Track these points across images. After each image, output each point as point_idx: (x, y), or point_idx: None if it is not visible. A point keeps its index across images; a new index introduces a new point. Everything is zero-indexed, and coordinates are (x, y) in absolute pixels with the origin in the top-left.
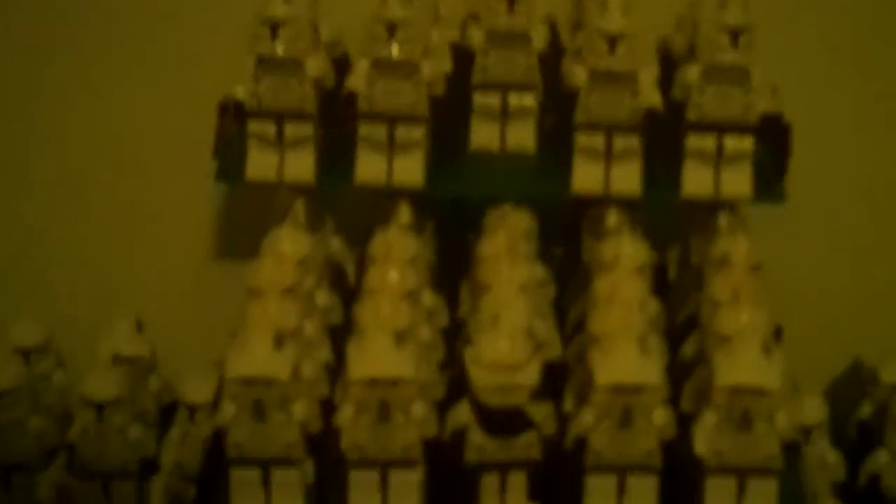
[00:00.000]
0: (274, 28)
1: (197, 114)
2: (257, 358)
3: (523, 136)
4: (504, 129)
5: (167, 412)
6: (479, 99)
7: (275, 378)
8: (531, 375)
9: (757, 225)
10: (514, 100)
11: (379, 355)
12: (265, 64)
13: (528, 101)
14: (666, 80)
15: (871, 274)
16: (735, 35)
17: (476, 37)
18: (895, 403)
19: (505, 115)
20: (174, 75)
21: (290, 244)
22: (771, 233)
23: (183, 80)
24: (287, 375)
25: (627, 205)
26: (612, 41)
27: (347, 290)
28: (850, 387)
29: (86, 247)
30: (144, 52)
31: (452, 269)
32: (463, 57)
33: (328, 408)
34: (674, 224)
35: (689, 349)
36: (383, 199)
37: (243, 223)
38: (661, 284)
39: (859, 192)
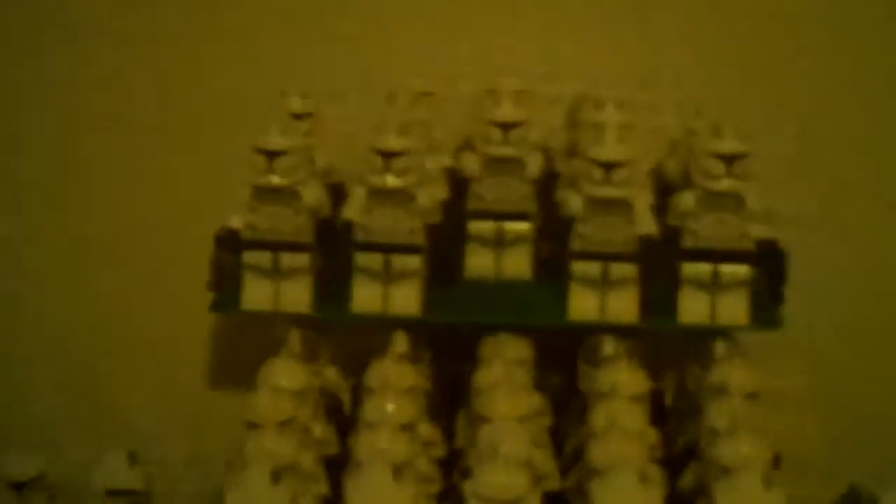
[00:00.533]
0: (270, 158)
1: (193, 243)
2: (256, 493)
3: (519, 264)
4: (500, 257)
5: None
6: (475, 226)
7: None
8: None
9: (754, 349)
10: (510, 227)
11: (378, 490)
12: (261, 193)
13: (524, 228)
14: (660, 206)
15: (866, 400)
16: (730, 162)
17: (471, 164)
18: None
19: (500, 242)
20: (173, 202)
21: (286, 376)
22: (768, 357)
23: (178, 209)
24: None
25: (624, 332)
26: (608, 168)
27: (343, 421)
28: None
29: (79, 376)
30: (142, 180)
31: (449, 399)
32: (458, 183)
33: None
34: (671, 350)
35: (688, 480)
36: (380, 329)
37: (240, 353)
38: (658, 411)
39: (854, 319)
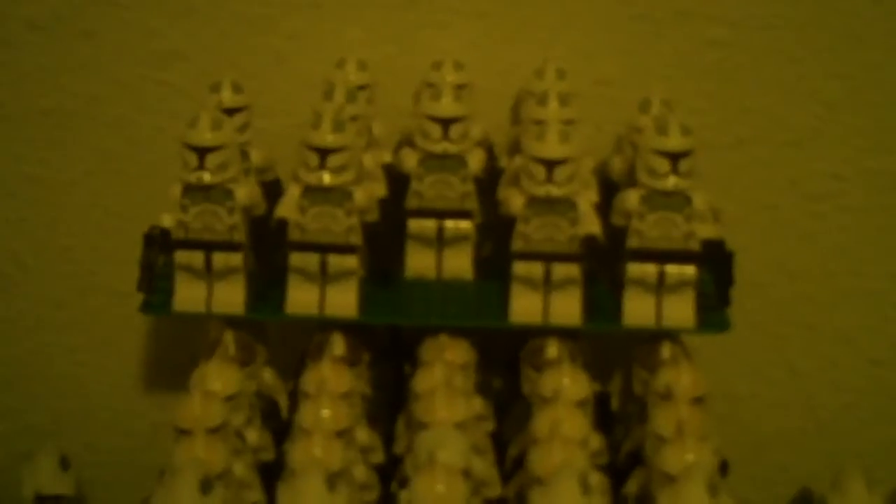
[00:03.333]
0: (201, 154)
1: (123, 243)
2: (183, 502)
3: (460, 263)
4: (440, 256)
5: None
6: (415, 225)
7: None
8: None
9: (701, 351)
10: (451, 226)
11: (311, 499)
12: (192, 191)
13: (465, 227)
14: (605, 204)
15: (818, 401)
16: (675, 160)
17: (410, 161)
18: None
19: (441, 241)
20: (102, 200)
21: (218, 380)
22: (715, 359)
23: (111, 205)
24: None
25: (568, 335)
26: (550, 167)
27: (281, 426)
28: None
29: (10, 378)
30: (73, 174)
31: (390, 401)
32: (398, 180)
33: None
34: (617, 352)
35: (633, 486)
36: (317, 330)
37: (176, 355)
38: (604, 415)
39: (804, 319)
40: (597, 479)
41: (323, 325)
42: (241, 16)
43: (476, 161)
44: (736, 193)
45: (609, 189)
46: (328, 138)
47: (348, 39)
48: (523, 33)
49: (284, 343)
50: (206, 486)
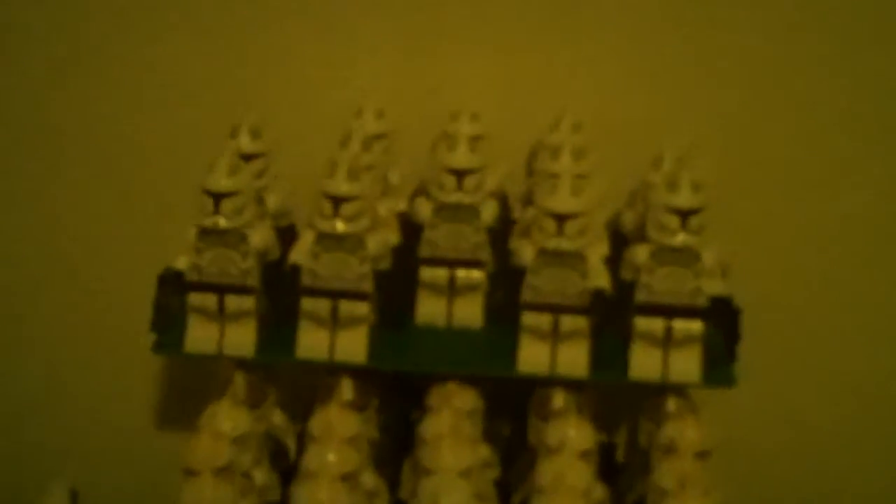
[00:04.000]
0: (217, 199)
1: (138, 284)
2: None
3: (470, 312)
4: (451, 304)
5: None
6: (427, 273)
7: None
8: None
9: (708, 403)
10: (462, 275)
11: None
12: (207, 235)
13: (476, 276)
14: (616, 257)
15: (825, 460)
16: (685, 217)
17: (424, 209)
18: None
19: (452, 289)
20: (117, 241)
21: (226, 421)
22: (722, 412)
23: (126, 246)
24: None
25: (575, 386)
26: (561, 220)
27: (288, 467)
28: None
29: (24, 412)
30: (89, 215)
31: (397, 446)
32: (411, 229)
33: None
34: (623, 404)
35: None
36: (325, 375)
37: (185, 394)
38: (609, 466)
39: (812, 375)
40: None
41: (332, 370)
42: (262, 61)
43: (489, 212)
44: (751, 240)
45: (620, 242)
46: (342, 187)
47: (367, 88)
48: (541, 83)
49: (294, 386)
50: None
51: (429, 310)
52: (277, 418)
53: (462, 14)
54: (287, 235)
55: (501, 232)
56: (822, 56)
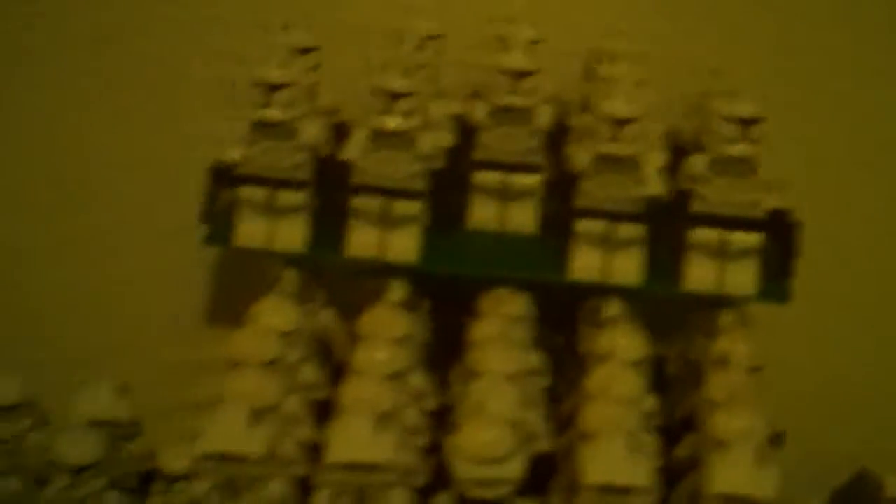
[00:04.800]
0: (269, 91)
1: (188, 176)
2: (230, 433)
3: (524, 217)
4: (504, 209)
5: (149, 480)
6: (480, 176)
7: (247, 455)
8: (516, 469)
9: (762, 321)
10: (517, 179)
11: (358, 439)
12: (259, 128)
13: (531, 181)
14: (674, 169)
15: (879, 380)
16: (745, 126)
17: (478, 112)
18: None
19: (506, 194)
20: (166, 136)
21: (274, 315)
22: (776, 330)
23: (175, 141)
24: (261, 453)
25: (627, 295)
26: (618, 124)
27: (337, 366)
28: (854, 498)
29: (72, 305)
30: (136, 111)
31: (448, 350)
32: (466, 131)
33: (307, 487)
34: (676, 317)
35: (684, 450)
36: (376, 274)
37: (235, 290)
38: (660, 379)
39: (868, 292)
40: (648, 440)
41: (382, 270)
42: None
43: (545, 116)
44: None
45: (679, 154)
46: (396, 83)
47: None
48: None
49: (342, 286)
50: (254, 417)
51: (482, 214)
52: (326, 316)
53: None
54: (339, 133)
55: (557, 138)
56: None
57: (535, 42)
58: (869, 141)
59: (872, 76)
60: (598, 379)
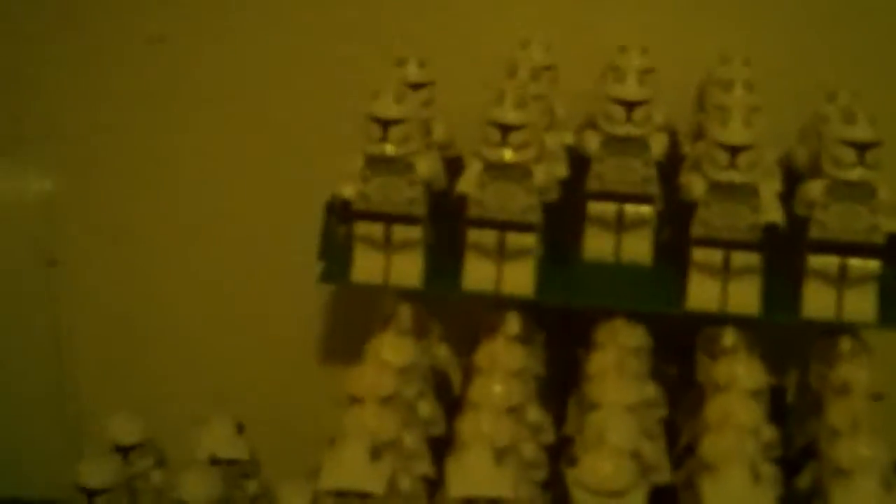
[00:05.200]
0: (385, 127)
1: (305, 212)
2: (351, 470)
3: (639, 248)
4: (619, 240)
5: None
6: (594, 207)
7: (369, 492)
8: (636, 500)
9: (882, 347)
10: (631, 210)
11: (478, 473)
12: (374, 163)
13: (646, 211)
14: (789, 195)
15: None
16: (862, 150)
17: (592, 142)
18: None
19: (621, 224)
20: (281, 172)
21: (392, 351)
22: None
23: (290, 177)
24: (382, 489)
25: (745, 324)
26: (733, 153)
27: (453, 401)
28: None
29: (189, 344)
30: (252, 148)
31: (563, 383)
32: (579, 162)
33: None
34: (794, 346)
35: (805, 480)
36: (493, 307)
37: (350, 327)
38: (778, 409)
39: None
40: (768, 470)
41: (498, 303)
42: None
43: (659, 145)
44: None
45: (793, 179)
46: (510, 115)
47: (531, 20)
48: (706, 20)
49: (459, 320)
50: (375, 453)
51: (597, 245)
52: (443, 351)
53: None
54: (453, 167)
55: (670, 168)
56: None
57: (647, 71)
58: None
59: None
60: (717, 409)
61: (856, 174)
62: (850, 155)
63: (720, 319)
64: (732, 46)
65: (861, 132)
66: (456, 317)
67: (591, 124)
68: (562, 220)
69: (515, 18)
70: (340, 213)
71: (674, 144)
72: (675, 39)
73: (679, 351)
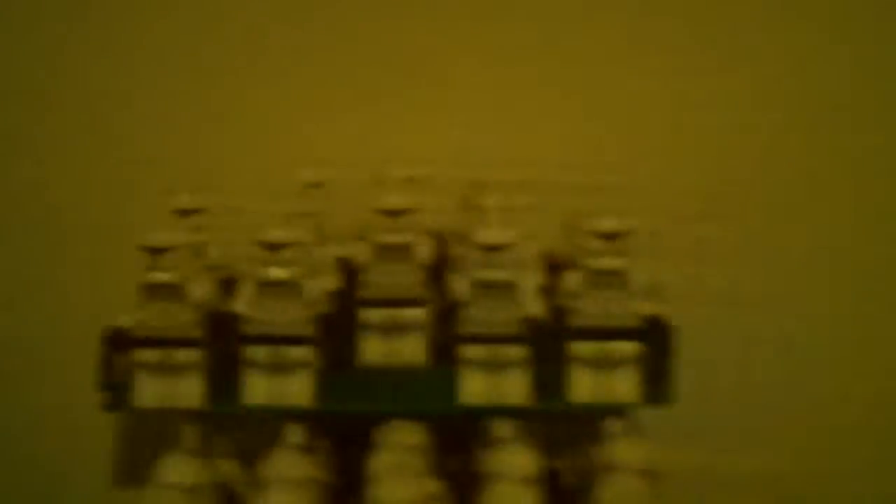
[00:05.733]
0: (155, 254)
1: (83, 344)
2: None
3: (414, 350)
4: (393, 344)
5: None
6: (366, 314)
7: None
8: None
9: (662, 431)
10: (402, 314)
11: None
12: (148, 290)
13: (417, 314)
14: (554, 288)
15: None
16: (611, 239)
17: (362, 252)
18: None
19: (393, 329)
20: (55, 305)
21: (177, 472)
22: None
23: (65, 310)
24: None
25: (517, 413)
26: (490, 251)
27: None
28: None
29: None
30: (27, 282)
31: (349, 487)
32: (352, 273)
33: None
34: (568, 431)
35: None
36: (276, 420)
37: (139, 454)
38: (554, 493)
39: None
40: None
41: (281, 415)
42: (195, 113)
43: (425, 250)
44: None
45: (557, 273)
46: (277, 234)
47: (305, 137)
48: (476, 121)
49: (244, 437)
50: None
51: (372, 350)
52: (228, 466)
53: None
54: (228, 287)
55: (441, 270)
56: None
57: (411, 180)
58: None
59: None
60: (492, 498)
61: (606, 263)
62: (599, 244)
63: (496, 411)
64: (501, 148)
65: (608, 223)
66: (243, 431)
67: (362, 235)
68: (339, 329)
69: (290, 137)
70: (117, 342)
71: (442, 246)
72: (444, 143)
73: (462, 445)
